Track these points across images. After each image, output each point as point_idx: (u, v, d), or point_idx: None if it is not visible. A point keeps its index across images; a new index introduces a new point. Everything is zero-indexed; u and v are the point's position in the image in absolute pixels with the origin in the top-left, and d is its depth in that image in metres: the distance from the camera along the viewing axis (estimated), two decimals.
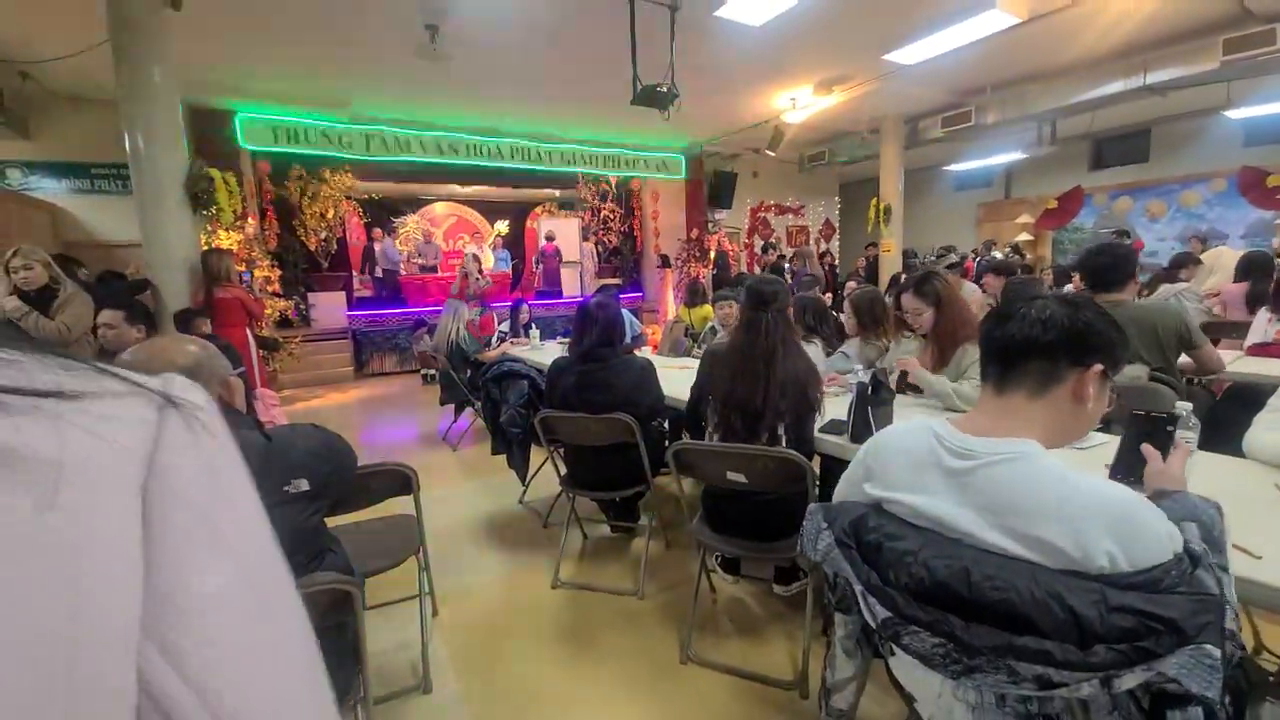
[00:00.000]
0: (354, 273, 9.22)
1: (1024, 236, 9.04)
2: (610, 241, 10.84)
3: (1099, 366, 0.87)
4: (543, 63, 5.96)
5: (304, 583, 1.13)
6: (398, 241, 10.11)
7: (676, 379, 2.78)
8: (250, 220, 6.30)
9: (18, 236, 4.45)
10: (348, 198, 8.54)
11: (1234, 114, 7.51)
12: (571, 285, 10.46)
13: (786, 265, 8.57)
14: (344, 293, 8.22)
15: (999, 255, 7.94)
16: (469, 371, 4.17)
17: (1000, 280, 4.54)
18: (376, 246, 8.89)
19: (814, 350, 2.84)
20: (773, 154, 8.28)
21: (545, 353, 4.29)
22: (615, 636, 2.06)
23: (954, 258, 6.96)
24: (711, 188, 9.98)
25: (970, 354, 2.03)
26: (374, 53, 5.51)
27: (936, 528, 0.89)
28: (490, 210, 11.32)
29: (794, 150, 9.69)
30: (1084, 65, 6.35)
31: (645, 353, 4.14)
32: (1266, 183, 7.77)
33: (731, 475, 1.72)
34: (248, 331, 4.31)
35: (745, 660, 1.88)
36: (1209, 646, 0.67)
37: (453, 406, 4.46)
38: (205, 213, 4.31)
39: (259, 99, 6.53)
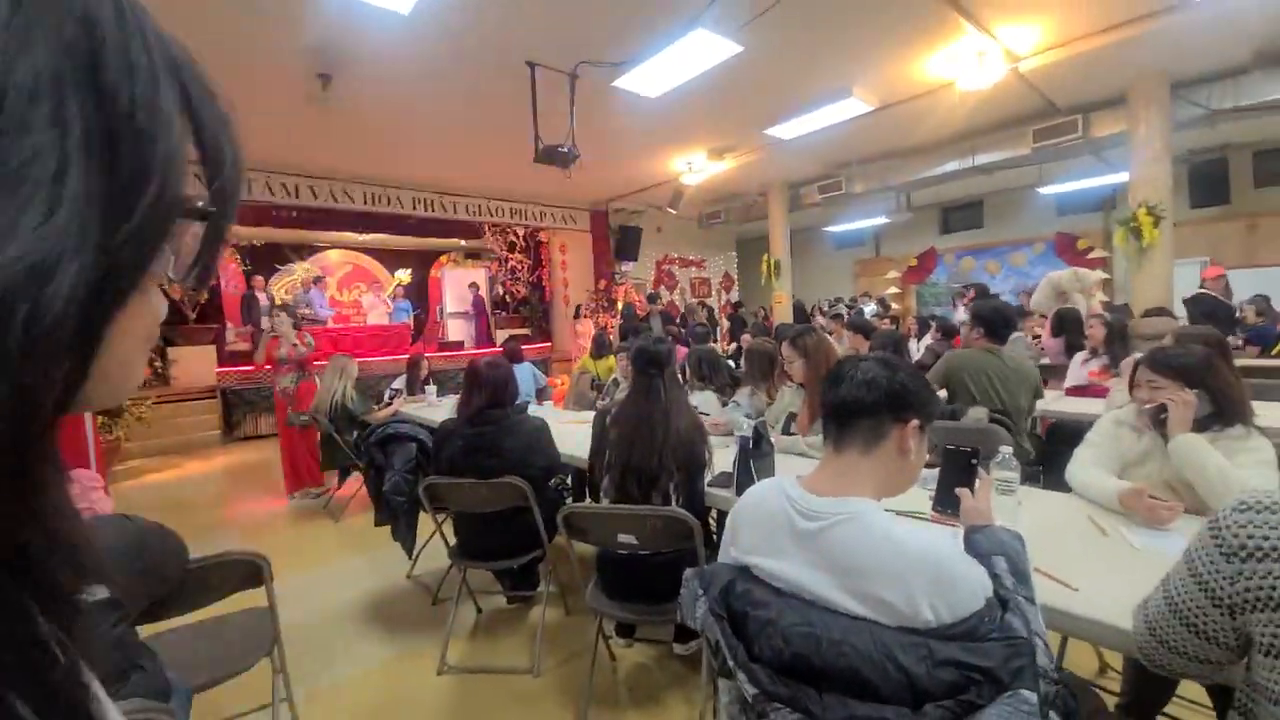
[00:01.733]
0: (228, 325, 8.39)
1: (892, 290, 10.14)
2: (518, 291, 10.78)
3: (916, 421, 0.97)
4: (443, 119, 5.96)
5: None
6: (280, 291, 9.39)
7: (581, 434, 2.75)
8: None
9: None
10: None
11: (1046, 190, 9.08)
12: (461, 336, 10.22)
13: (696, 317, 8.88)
14: (214, 346, 7.42)
15: (869, 309, 8.80)
16: (355, 433, 3.86)
17: (858, 338, 4.72)
18: (260, 297, 8.16)
19: (708, 398, 2.93)
20: (674, 212, 8.75)
21: (444, 409, 4.09)
22: None
23: (841, 308, 7.65)
24: (618, 241, 10.31)
25: None
26: (257, 94, 5.23)
27: (794, 591, 0.92)
28: (391, 258, 10.90)
29: (694, 208, 10.32)
30: (926, 147, 7.41)
31: (547, 407, 4.07)
32: (1077, 245, 9.37)
33: (623, 537, 1.70)
34: None
35: None
36: (1024, 692, 0.73)
37: (336, 473, 4.09)
38: None
39: None
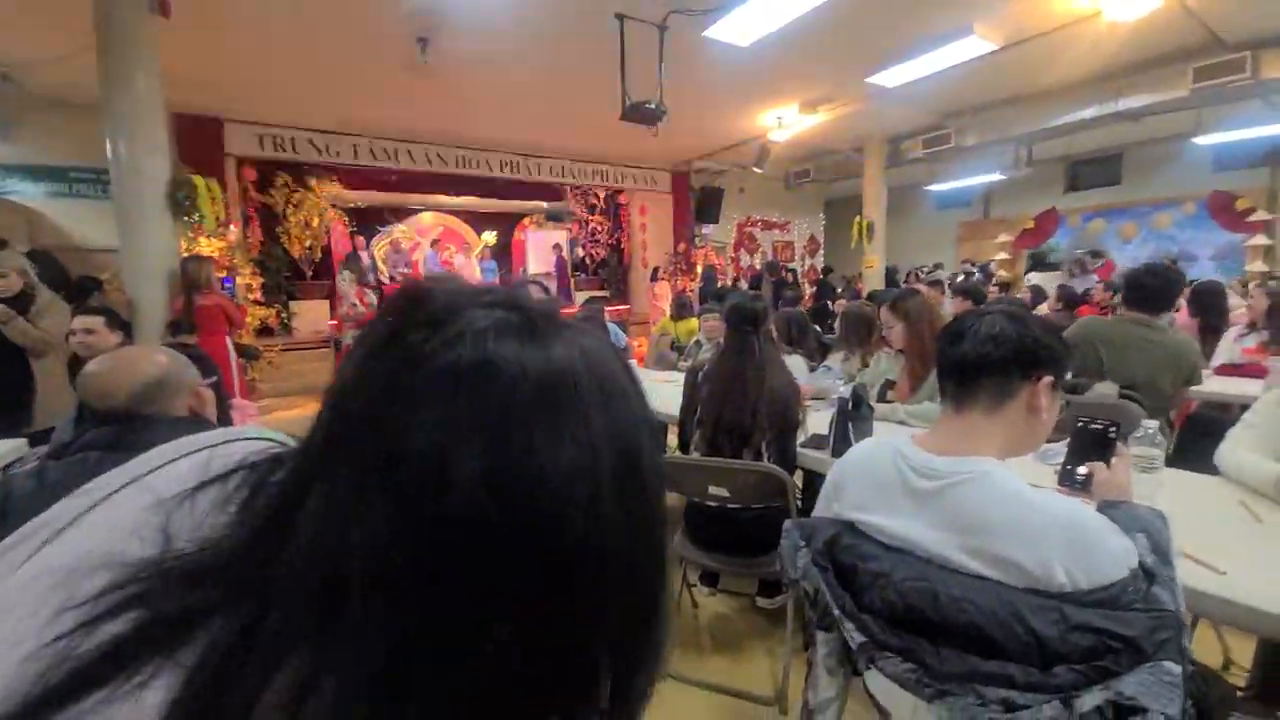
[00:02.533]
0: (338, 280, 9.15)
1: (1001, 256, 9.25)
2: (597, 254, 10.90)
3: (1049, 378, 0.91)
4: (532, 77, 6.01)
5: None
6: (380, 251, 10.08)
7: (661, 392, 2.80)
8: (233, 227, 6.22)
9: None
10: (334, 206, 8.50)
11: (1203, 140, 7.78)
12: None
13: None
14: (328, 301, 8.15)
15: (975, 274, 8.10)
16: None
17: (966, 303, 4.38)
18: (363, 255, 8.83)
19: (795, 363, 2.87)
20: (759, 171, 8.41)
21: None
22: None
23: (940, 274, 7.12)
24: (698, 202, 10.10)
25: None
26: (362, 65, 5.52)
27: (907, 547, 0.91)
28: (477, 221, 11.33)
29: (780, 167, 9.85)
30: (1059, 90, 6.56)
31: (632, 367, 4.16)
32: (1235, 206, 8.06)
33: (714, 489, 1.73)
34: (227, 339, 4.24)
35: (726, 677, 1.87)
36: (1168, 664, 0.69)
37: None
38: (187, 220, 4.25)
39: (247, 106, 6.49)
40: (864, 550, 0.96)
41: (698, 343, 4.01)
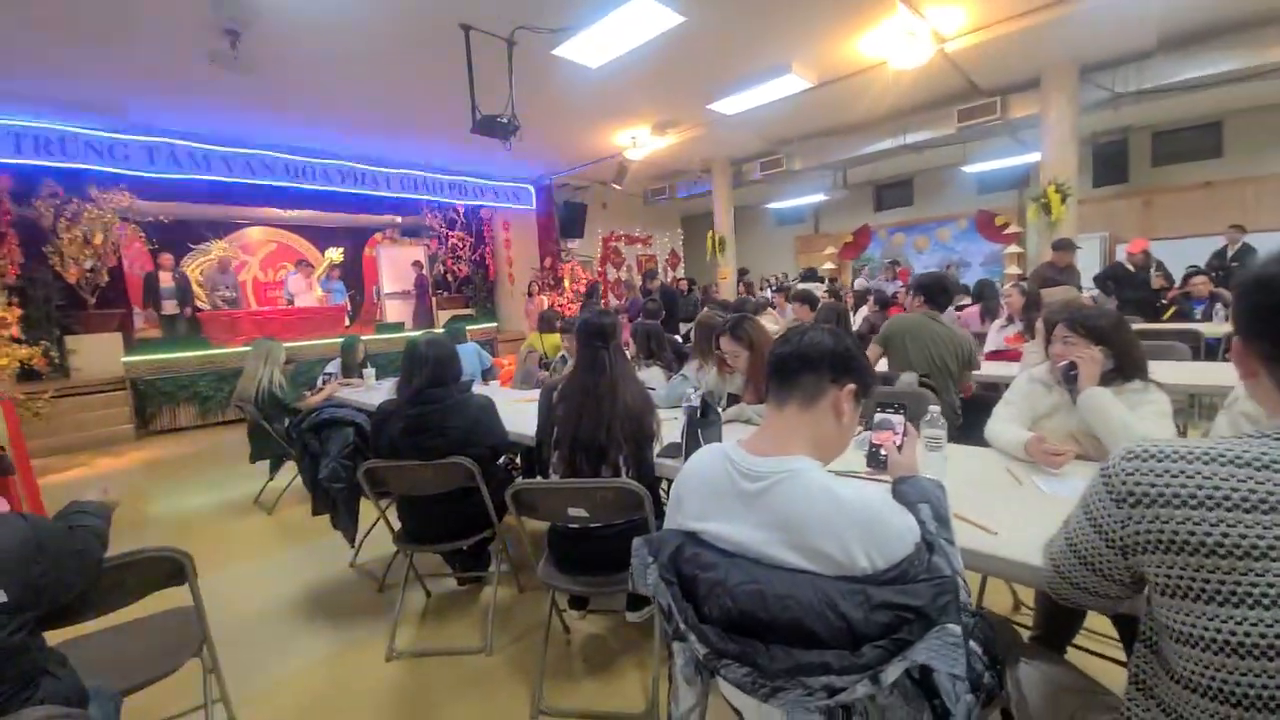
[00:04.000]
0: (136, 308, 7.68)
1: (829, 265, 10.48)
2: (460, 271, 10.41)
3: (853, 386, 1.01)
4: (374, 84, 5.61)
5: None
6: (196, 271, 8.69)
7: (530, 412, 2.70)
8: None
9: None
10: (125, 219, 7.14)
11: (969, 168, 9.58)
12: (402, 317, 9.84)
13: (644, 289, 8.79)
14: (120, 334, 6.78)
15: (816, 285, 9.11)
16: (286, 421, 3.64)
17: (804, 308, 4.93)
18: (165, 277, 7.47)
19: (654, 373, 2.95)
20: (619, 187, 8.67)
21: (383, 393, 3.91)
22: (460, 705, 1.88)
23: (788, 282, 7.88)
24: (563, 218, 10.12)
25: None
26: (156, 54, 4.74)
27: (740, 551, 0.94)
28: (321, 236, 10.25)
29: (639, 185, 10.24)
30: (862, 125, 7.63)
31: (494, 387, 3.99)
32: (995, 222, 9.97)
33: (573, 511, 1.69)
34: None
35: (599, 700, 1.83)
36: (950, 625, 0.78)
37: (267, 464, 3.86)
38: None
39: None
40: (704, 559, 0.99)
41: (563, 357, 3.96)
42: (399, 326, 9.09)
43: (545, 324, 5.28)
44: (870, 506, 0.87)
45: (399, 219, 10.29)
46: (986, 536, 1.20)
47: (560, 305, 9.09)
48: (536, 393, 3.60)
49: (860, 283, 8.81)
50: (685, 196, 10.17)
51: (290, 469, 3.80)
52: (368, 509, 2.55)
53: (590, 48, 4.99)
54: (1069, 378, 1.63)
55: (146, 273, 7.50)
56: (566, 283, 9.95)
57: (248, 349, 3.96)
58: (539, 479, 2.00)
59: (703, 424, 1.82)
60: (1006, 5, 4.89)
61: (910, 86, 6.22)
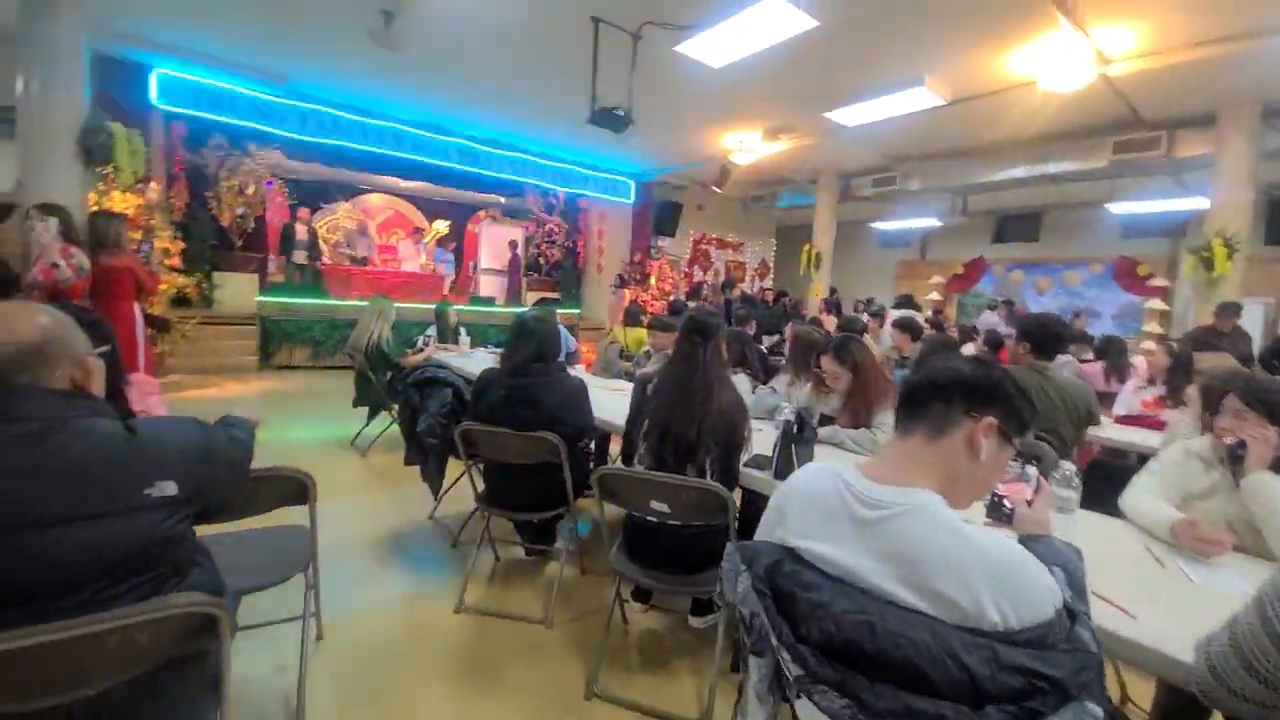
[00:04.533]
0: (271, 255, 8.55)
1: (934, 295, 9.86)
2: (552, 255, 10.76)
3: (993, 420, 0.91)
4: (502, 68, 5.88)
5: (158, 605, 0.98)
6: (323, 229, 9.52)
7: (607, 401, 2.75)
8: (154, 185, 5.69)
9: None
10: (274, 175, 7.96)
11: (1115, 208, 8.60)
12: (494, 292, 10.31)
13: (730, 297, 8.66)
14: (257, 276, 7.59)
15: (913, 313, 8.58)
16: (389, 374, 3.93)
17: (904, 336, 4.60)
18: (300, 230, 8.29)
19: (740, 381, 2.91)
20: (718, 190, 8.59)
21: (473, 360, 4.13)
22: (520, 668, 1.95)
23: (880, 305, 7.49)
24: (658, 215, 10.18)
25: (883, 415, 2.13)
26: (320, 27, 5.23)
27: (848, 578, 0.90)
28: (430, 208, 10.94)
29: (738, 189, 10.11)
30: (995, 149, 7.09)
31: (579, 371, 4.08)
32: (1138, 271, 8.95)
33: (656, 504, 1.70)
34: (135, 306, 3.85)
35: (653, 696, 1.83)
36: (1091, 705, 0.71)
37: (366, 410, 4.18)
38: (99, 169, 3.84)
39: (181, 56, 5.97)
40: (805, 578, 0.95)
41: (646, 353, 4.00)
42: (490, 301, 9.54)
43: (631, 318, 5.35)
44: (1010, 558, 0.80)
45: (502, 199, 10.77)
46: (1120, 618, 1.08)
47: (644, 301, 9.16)
48: (618, 381, 3.68)
49: (987, 319, 7.69)
50: (785, 206, 9.94)
51: (383, 418, 4.10)
52: (453, 467, 2.70)
53: (715, 47, 4.96)
54: (1235, 457, 1.43)
55: (284, 224, 8.34)
56: (653, 280, 10.01)
57: (361, 303, 4.30)
58: (624, 466, 2.03)
59: (798, 440, 1.77)
60: (1185, 31, 4.36)
61: (1060, 110, 5.70)
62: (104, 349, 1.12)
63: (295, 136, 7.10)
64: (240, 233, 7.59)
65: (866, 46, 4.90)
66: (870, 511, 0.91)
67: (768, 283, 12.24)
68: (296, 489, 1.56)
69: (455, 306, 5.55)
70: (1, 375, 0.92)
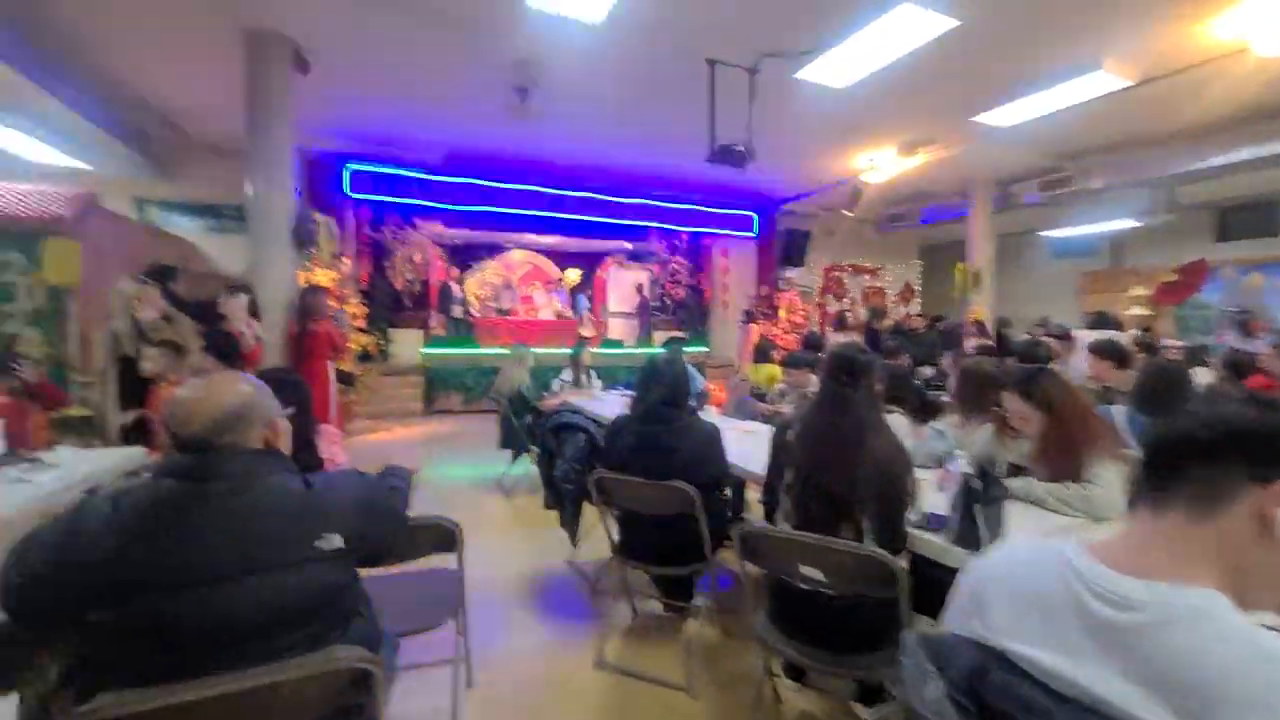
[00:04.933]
0: (432, 312, 9.71)
1: (1137, 310, 8.20)
2: (678, 294, 10.89)
3: None
4: (624, 121, 6.18)
5: (326, 659, 1.01)
6: (473, 285, 10.62)
7: (740, 445, 2.59)
8: (346, 260, 6.79)
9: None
10: (434, 243, 9.12)
11: None
12: (622, 335, 10.58)
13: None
14: (421, 331, 8.64)
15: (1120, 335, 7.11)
16: (529, 418, 4.13)
17: (1105, 363, 3.74)
18: (455, 289, 9.37)
19: (896, 423, 2.56)
20: (850, 214, 8.10)
21: (605, 403, 4.20)
22: None
23: (1063, 326, 6.37)
24: (784, 246, 9.88)
25: (1098, 466, 1.70)
26: (468, 111, 5.93)
27: (1087, 702, 0.65)
28: (563, 260, 11.73)
29: (872, 210, 9.47)
30: (1203, 130, 5.84)
31: (710, 413, 3.94)
32: None
33: (806, 570, 1.49)
34: (329, 365, 4.52)
35: None
36: None
37: (510, 451, 4.42)
38: (304, 252, 4.64)
39: (366, 151, 7.15)
40: (1025, 696, 0.72)
41: (780, 391, 3.76)
42: (619, 343, 9.85)
43: (761, 354, 5.13)
44: None
45: (628, 244, 11.21)
46: None
47: (774, 336, 8.82)
48: (750, 423, 3.48)
49: (1233, 341, 5.87)
50: (929, 224, 9.07)
51: (526, 459, 4.31)
52: (590, 511, 2.70)
53: (837, 67, 4.76)
54: None
55: (441, 283, 9.46)
56: (783, 312, 9.63)
57: (504, 350, 4.62)
58: (766, 521, 1.85)
59: (984, 500, 1.47)
60: None
61: None
62: (289, 410, 1.25)
63: (451, 207, 8.09)
64: (410, 295, 8.74)
65: (1021, 37, 4.35)
66: (1119, 614, 0.66)
67: (914, 308, 11.16)
68: (446, 537, 1.63)
69: (590, 349, 5.78)
70: (210, 437, 1.05)
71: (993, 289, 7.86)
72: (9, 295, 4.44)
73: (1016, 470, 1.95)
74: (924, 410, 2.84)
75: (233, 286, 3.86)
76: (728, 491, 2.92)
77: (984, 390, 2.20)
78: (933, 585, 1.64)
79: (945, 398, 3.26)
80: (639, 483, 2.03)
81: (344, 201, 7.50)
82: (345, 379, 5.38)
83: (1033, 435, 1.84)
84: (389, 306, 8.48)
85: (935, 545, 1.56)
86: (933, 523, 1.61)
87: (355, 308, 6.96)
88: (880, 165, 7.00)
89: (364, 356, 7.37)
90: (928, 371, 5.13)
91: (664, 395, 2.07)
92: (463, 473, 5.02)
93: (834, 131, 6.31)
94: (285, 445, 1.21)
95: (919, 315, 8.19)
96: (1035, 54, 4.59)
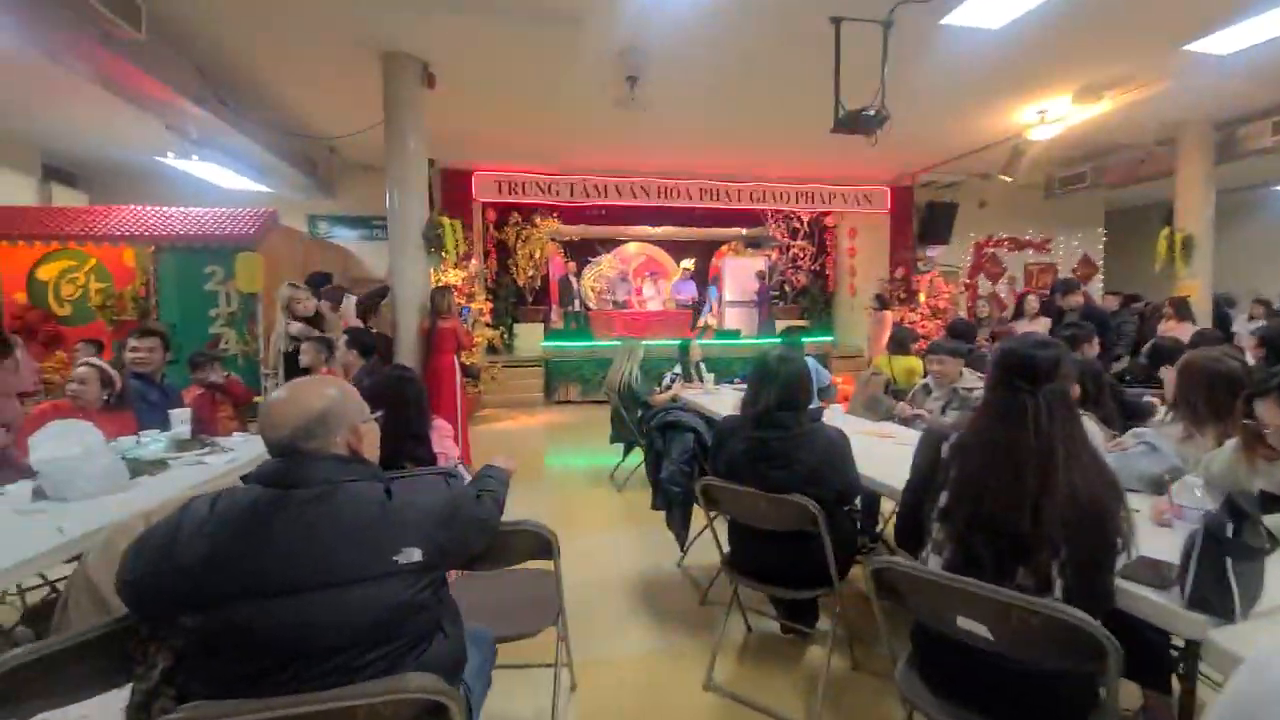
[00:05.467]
0: (552, 306, 10.11)
1: None
2: (798, 281, 10.24)
3: None
4: (737, 101, 5.83)
5: (401, 684, 0.95)
6: (590, 279, 10.88)
7: (872, 451, 2.24)
8: (474, 261, 7.25)
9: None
10: (552, 239, 9.46)
11: None
12: (740, 325, 10.14)
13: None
14: (542, 324, 9.02)
15: None
16: (640, 412, 4.05)
17: None
18: (573, 281, 9.65)
19: (1088, 429, 2.04)
20: (1008, 179, 6.95)
21: (720, 399, 3.98)
22: None
23: None
24: (923, 221, 8.81)
25: None
26: (581, 110, 5.96)
27: None
28: (677, 249, 11.59)
29: (1039, 172, 8.08)
30: None
31: (834, 412, 3.55)
32: None
33: (966, 623, 1.18)
34: (455, 359, 4.80)
35: None
36: None
37: (622, 445, 4.38)
38: (433, 254, 4.98)
39: (491, 158, 7.54)
40: None
41: (925, 387, 3.25)
42: (736, 334, 9.49)
43: (898, 344, 4.55)
44: None
45: (744, 231, 10.75)
46: None
47: (914, 323, 7.91)
48: (886, 424, 3.05)
49: None
50: (1115, 185, 7.52)
51: (637, 453, 4.23)
52: (699, 514, 2.52)
53: (993, 3, 4.01)
54: None
55: (561, 278, 9.79)
56: (922, 296, 8.61)
57: (617, 342, 4.59)
58: (903, 548, 1.54)
59: (1238, 551, 1.05)
60: None
61: None
62: (378, 414, 1.22)
63: (568, 203, 8.30)
64: (531, 290, 9.16)
65: None
66: None
67: (1097, 285, 9.36)
68: (541, 545, 1.54)
69: (701, 341, 5.57)
70: (294, 442, 1.03)
71: (1210, 257, 6.28)
72: (214, 301, 5.32)
73: (1271, 502, 1.42)
74: (1122, 415, 2.27)
75: (331, 292, 4.12)
76: (858, 503, 2.58)
77: (1222, 395, 1.64)
78: (1141, 646, 1.24)
79: (1150, 398, 2.60)
80: (753, 494, 1.81)
81: (473, 206, 8.02)
82: (470, 372, 5.71)
83: None
84: (513, 302, 8.95)
85: (1154, 604, 1.15)
86: (1149, 574, 1.20)
87: (482, 304, 7.41)
88: (1052, 117, 5.89)
89: (490, 349, 7.84)
90: (1121, 362, 4.17)
91: (779, 398, 1.81)
92: (579, 461, 5.12)
93: (988, 83, 5.40)
94: (371, 450, 1.18)
95: (1113, 293, 6.74)
96: None
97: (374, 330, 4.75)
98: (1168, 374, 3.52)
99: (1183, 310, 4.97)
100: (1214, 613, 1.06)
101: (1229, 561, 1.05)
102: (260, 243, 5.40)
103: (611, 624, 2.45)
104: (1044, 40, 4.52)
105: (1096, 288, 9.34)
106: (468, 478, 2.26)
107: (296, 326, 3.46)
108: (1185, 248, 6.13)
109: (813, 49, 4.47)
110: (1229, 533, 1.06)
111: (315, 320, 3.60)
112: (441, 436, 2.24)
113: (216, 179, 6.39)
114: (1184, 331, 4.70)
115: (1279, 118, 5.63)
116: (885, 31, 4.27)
